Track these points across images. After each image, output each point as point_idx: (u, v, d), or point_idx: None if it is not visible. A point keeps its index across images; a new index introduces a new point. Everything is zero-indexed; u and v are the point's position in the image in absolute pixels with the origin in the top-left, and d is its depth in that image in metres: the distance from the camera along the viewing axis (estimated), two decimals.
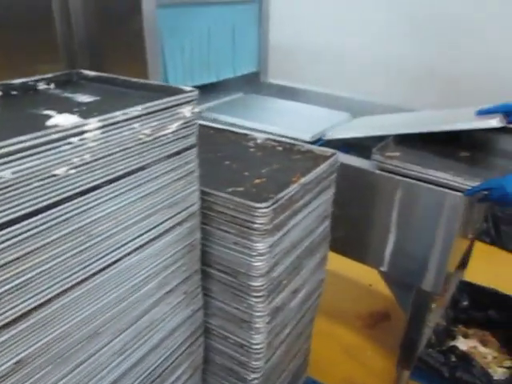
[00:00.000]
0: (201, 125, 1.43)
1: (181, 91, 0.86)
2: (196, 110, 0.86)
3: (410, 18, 2.94)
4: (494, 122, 1.33)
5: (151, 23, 1.78)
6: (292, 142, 1.28)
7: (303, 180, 1.02)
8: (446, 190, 1.26)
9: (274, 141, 1.30)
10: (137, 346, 0.91)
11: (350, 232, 1.52)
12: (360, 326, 2.11)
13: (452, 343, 1.97)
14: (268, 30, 2.45)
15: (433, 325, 1.87)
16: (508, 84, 2.75)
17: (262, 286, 0.99)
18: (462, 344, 1.97)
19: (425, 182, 1.29)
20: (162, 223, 0.86)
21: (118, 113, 0.71)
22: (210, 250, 1.03)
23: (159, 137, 0.79)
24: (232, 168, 1.14)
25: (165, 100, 0.79)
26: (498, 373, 1.86)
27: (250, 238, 0.94)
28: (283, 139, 1.29)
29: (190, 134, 0.86)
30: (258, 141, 1.32)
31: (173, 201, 0.87)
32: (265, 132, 1.69)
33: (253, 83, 2.49)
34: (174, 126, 0.82)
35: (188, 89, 0.86)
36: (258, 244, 0.94)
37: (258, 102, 2.22)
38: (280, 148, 1.27)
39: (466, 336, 2.04)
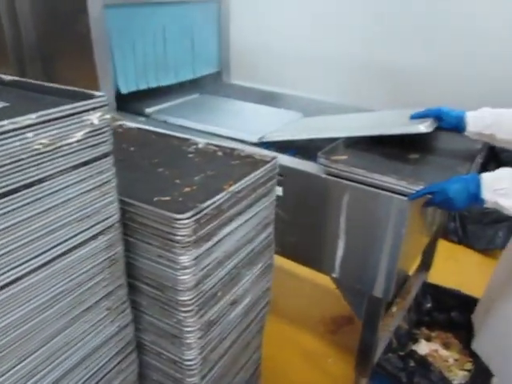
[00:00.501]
0: (142, 130, 1.39)
1: (90, 96, 0.80)
2: (106, 116, 0.80)
3: (364, 18, 2.93)
4: (423, 128, 1.34)
5: (98, 24, 1.72)
6: (232, 146, 1.23)
7: (233, 188, 0.98)
8: (392, 195, 1.22)
9: (215, 146, 1.25)
10: (51, 367, 0.85)
11: (301, 238, 1.48)
12: (323, 332, 2.08)
13: (414, 347, 1.95)
14: (229, 30, 2.40)
15: (393, 329, 1.84)
16: (460, 84, 2.76)
17: (191, 299, 0.95)
18: (424, 347, 1.94)
19: (371, 186, 1.26)
20: (71, 238, 0.80)
21: (5, 122, 0.65)
22: (136, 262, 0.98)
23: (61, 146, 0.74)
24: (164, 175, 1.09)
25: (66, 107, 0.73)
26: (459, 376, 1.84)
27: (172, 251, 0.89)
28: (224, 144, 1.24)
29: (101, 143, 0.81)
30: (200, 146, 1.27)
31: (84, 214, 0.82)
32: (213, 134, 1.65)
33: (215, 84, 2.45)
34: (79, 135, 0.76)
35: (97, 94, 0.81)
36: (182, 257, 0.89)
37: (212, 103, 2.17)
38: (220, 153, 1.22)
39: (428, 339, 2.01)
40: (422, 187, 1.17)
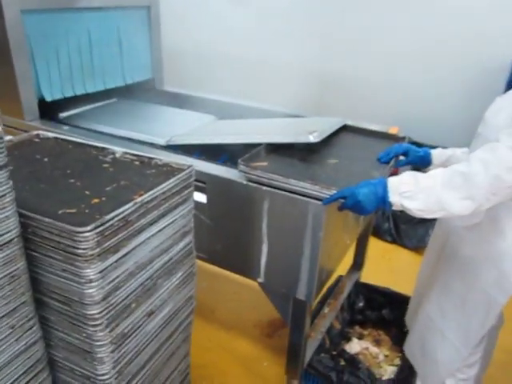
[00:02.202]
0: (59, 139, 1.36)
1: None
2: None
3: (304, 25, 3.00)
4: (311, 138, 1.45)
5: (16, 30, 1.68)
6: (150, 155, 1.22)
7: (142, 198, 0.97)
8: (308, 199, 1.25)
9: (133, 155, 1.23)
10: None
11: (227, 244, 1.49)
12: (259, 335, 2.09)
13: (346, 345, 2.00)
14: (160, 36, 2.38)
15: (325, 329, 1.88)
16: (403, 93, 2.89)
17: (99, 313, 0.93)
18: (356, 345, 2.00)
19: (289, 191, 1.28)
20: None
21: None
22: (41, 277, 0.95)
23: None
24: (74, 186, 1.06)
25: None
26: (388, 371, 1.90)
27: (76, 265, 0.87)
28: (141, 153, 1.23)
29: None
30: (117, 155, 1.25)
31: None
32: (123, 138, 1.68)
33: (148, 91, 2.42)
34: None
35: None
36: (86, 270, 0.88)
37: (128, 107, 2.16)
38: (137, 162, 1.21)
39: (360, 337, 2.08)
40: (334, 191, 1.21)
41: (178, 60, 2.75)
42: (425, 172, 1.20)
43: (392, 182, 1.15)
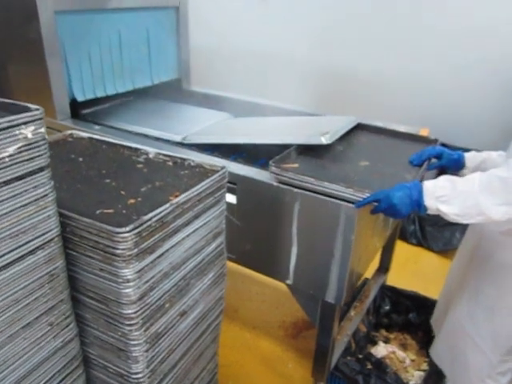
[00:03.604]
0: (93, 139, 1.37)
1: (25, 109, 0.79)
2: (41, 130, 0.79)
3: (322, 24, 2.99)
4: (323, 139, 1.45)
5: (50, 31, 1.70)
6: (183, 156, 1.23)
7: (178, 199, 0.98)
8: (340, 202, 1.24)
9: (166, 155, 1.24)
10: None
11: (255, 245, 1.49)
12: (283, 336, 2.09)
13: (372, 349, 1.98)
14: (188, 36, 2.39)
15: (351, 332, 1.87)
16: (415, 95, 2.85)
17: (135, 312, 0.94)
18: (382, 349, 1.98)
19: (320, 193, 1.28)
20: (5, 254, 0.79)
21: None
22: (79, 276, 0.96)
23: None
24: (110, 187, 1.08)
25: None
26: (415, 376, 1.88)
27: (114, 265, 0.88)
28: (175, 154, 1.24)
29: (36, 157, 0.80)
30: (150, 156, 1.26)
31: (20, 229, 0.80)
32: (140, 134, 1.74)
33: (176, 90, 2.44)
34: (11, 150, 0.75)
35: (32, 107, 0.79)
36: (123, 270, 0.88)
37: (146, 105, 2.20)
38: (170, 163, 1.22)
39: (387, 341, 2.05)
40: (368, 195, 1.20)
41: (200, 58, 2.75)
42: (457, 175, 1.18)
43: (428, 185, 1.14)
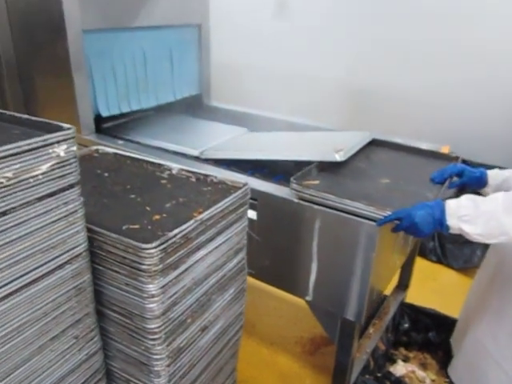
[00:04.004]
0: (118, 155, 1.41)
1: (58, 128, 0.82)
2: (73, 148, 0.82)
3: (344, 42, 3.01)
4: (338, 157, 1.48)
5: (77, 48, 1.75)
6: (206, 172, 1.25)
7: (202, 216, 0.99)
8: (361, 220, 1.25)
9: (189, 171, 1.27)
10: None
11: (275, 261, 1.50)
12: (300, 352, 2.08)
13: (391, 367, 1.96)
14: (209, 53, 2.44)
15: (370, 350, 1.85)
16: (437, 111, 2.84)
17: (158, 327, 0.95)
18: (401, 368, 1.95)
19: (341, 211, 1.28)
20: (36, 268, 0.81)
21: None
22: (105, 290, 0.98)
23: (26, 179, 0.75)
24: (135, 202, 1.10)
25: (32, 140, 0.75)
26: None
27: (140, 280, 0.90)
28: (197, 170, 1.26)
29: (67, 174, 0.82)
30: (173, 171, 1.29)
31: (50, 244, 0.83)
32: (157, 148, 1.78)
33: (195, 106, 2.48)
34: (44, 167, 0.77)
35: (65, 126, 0.82)
36: (149, 285, 0.90)
37: (163, 120, 2.24)
38: (193, 179, 1.24)
39: (406, 359, 2.03)
40: (389, 213, 1.20)
41: (221, 74, 2.80)
42: (479, 194, 1.18)
43: (450, 204, 1.13)
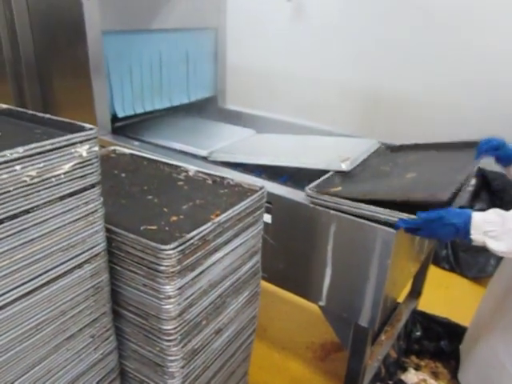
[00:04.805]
0: (134, 155, 1.41)
1: (81, 128, 0.82)
2: (95, 148, 0.82)
3: (359, 45, 3.00)
4: (344, 166, 1.50)
5: (96, 50, 1.77)
6: (222, 175, 1.25)
7: (219, 218, 0.99)
8: (377, 225, 1.24)
9: (205, 173, 1.27)
10: None
11: (289, 265, 1.49)
12: (311, 358, 2.07)
13: (402, 375, 1.94)
14: (225, 57, 2.45)
15: (381, 357, 1.84)
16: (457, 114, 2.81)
17: (174, 328, 0.95)
18: (413, 376, 1.93)
19: (357, 216, 1.27)
20: (56, 267, 0.82)
21: None
22: (121, 290, 0.99)
23: (48, 178, 0.76)
24: (153, 203, 1.10)
25: (55, 140, 0.75)
26: None
27: (157, 281, 0.90)
28: (213, 172, 1.26)
29: (88, 174, 0.83)
30: (190, 173, 1.29)
31: (70, 243, 0.83)
32: (166, 148, 1.81)
33: (210, 108, 2.49)
34: (66, 167, 0.78)
35: (87, 126, 0.83)
36: (166, 287, 0.90)
37: (173, 121, 2.26)
38: (209, 181, 1.24)
39: (417, 368, 2.01)
40: (404, 216, 1.18)
41: (236, 76, 2.81)
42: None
43: (476, 219, 1.11)
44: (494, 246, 1.08)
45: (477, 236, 1.10)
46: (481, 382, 1.50)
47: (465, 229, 1.11)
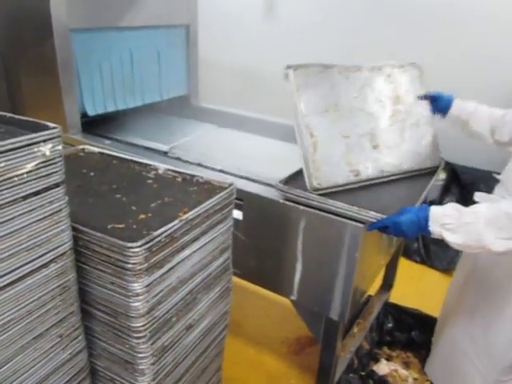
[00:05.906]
0: (104, 154, 1.41)
1: (44, 127, 0.82)
2: (58, 147, 0.82)
3: (332, 41, 3.02)
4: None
5: (64, 48, 1.75)
6: (192, 173, 1.26)
7: (187, 215, 1.00)
8: (345, 220, 1.26)
9: (175, 172, 1.27)
10: None
11: (261, 261, 1.51)
12: (286, 352, 2.09)
13: (375, 366, 1.98)
14: (197, 54, 2.44)
15: (354, 349, 1.87)
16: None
17: (143, 326, 0.96)
18: (385, 367, 1.98)
19: (326, 211, 1.30)
20: (20, 267, 0.81)
21: None
22: (89, 289, 0.98)
23: (10, 177, 0.75)
24: (121, 202, 1.10)
25: (17, 139, 0.75)
26: None
27: (125, 278, 0.91)
28: (183, 170, 1.27)
29: (52, 173, 0.82)
30: (160, 171, 1.29)
31: (35, 242, 0.83)
32: (129, 143, 1.83)
33: (184, 106, 2.48)
34: (29, 166, 0.78)
35: (51, 125, 0.82)
36: (133, 284, 0.91)
37: (137, 117, 2.27)
38: (179, 179, 1.25)
39: (389, 358, 2.05)
40: (372, 213, 1.22)
41: (210, 75, 2.80)
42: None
43: (434, 212, 1.15)
44: (451, 238, 1.12)
45: (435, 228, 1.14)
46: (445, 371, 1.55)
47: (425, 221, 1.15)
